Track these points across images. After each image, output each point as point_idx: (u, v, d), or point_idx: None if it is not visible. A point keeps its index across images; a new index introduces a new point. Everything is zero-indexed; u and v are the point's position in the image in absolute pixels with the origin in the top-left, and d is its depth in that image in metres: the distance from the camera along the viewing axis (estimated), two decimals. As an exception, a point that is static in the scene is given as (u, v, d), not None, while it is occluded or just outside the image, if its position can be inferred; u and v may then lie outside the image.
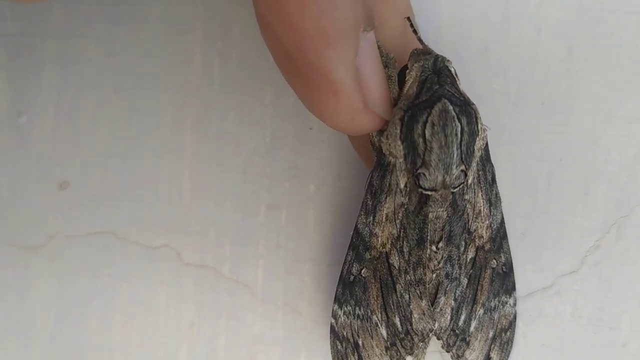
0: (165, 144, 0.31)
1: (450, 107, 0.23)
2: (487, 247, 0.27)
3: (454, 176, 0.24)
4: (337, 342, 0.28)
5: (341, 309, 0.27)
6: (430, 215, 0.25)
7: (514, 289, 0.28)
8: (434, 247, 0.25)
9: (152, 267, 0.31)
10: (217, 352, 0.31)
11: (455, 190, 0.24)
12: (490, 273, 0.27)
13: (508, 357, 0.29)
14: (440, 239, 0.25)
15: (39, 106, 0.32)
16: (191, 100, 0.31)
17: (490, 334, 0.28)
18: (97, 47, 0.31)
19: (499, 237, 0.27)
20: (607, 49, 0.29)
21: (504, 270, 0.27)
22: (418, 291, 0.26)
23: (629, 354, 0.28)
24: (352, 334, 0.27)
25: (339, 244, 0.30)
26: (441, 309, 0.26)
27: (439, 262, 0.25)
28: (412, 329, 0.26)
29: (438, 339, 0.27)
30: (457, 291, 0.26)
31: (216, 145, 0.31)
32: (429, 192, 0.24)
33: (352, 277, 0.27)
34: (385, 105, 0.23)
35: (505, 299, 0.28)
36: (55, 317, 0.32)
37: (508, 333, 0.28)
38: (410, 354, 0.27)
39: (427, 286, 0.26)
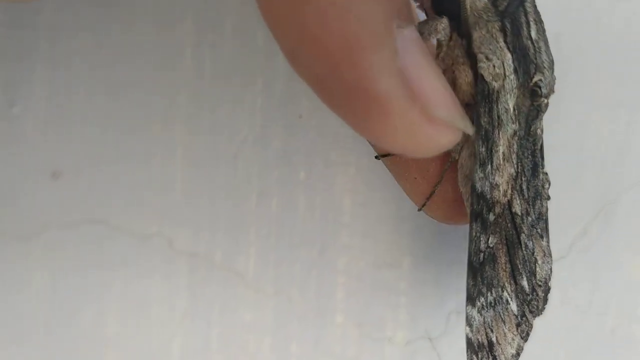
0: (158, 134, 0.31)
1: (534, 1, 0.21)
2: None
3: (554, 77, 0.22)
4: (474, 357, 0.24)
5: (475, 307, 0.23)
6: (538, 131, 0.22)
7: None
8: (544, 169, 0.23)
9: (144, 256, 0.31)
10: (210, 342, 0.31)
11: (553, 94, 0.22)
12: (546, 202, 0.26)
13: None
14: (542, 158, 0.23)
15: (32, 97, 0.32)
16: (182, 92, 0.31)
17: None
18: (88, 40, 0.32)
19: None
20: (595, 35, 0.29)
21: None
22: (539, 229, 0.23)
23: (617, 339, 0.28)
24: (487, 332, 0.23)
25: (329, 230, 0.30)
26: (549, 246, 0.24)
27: (549, 186, 0.23)
28: (536, 281, 0.23)
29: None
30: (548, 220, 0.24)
31: (207, 135, 0.31)
32: (546, 100, 0.22)
33: (481, 256, 0.23)
34: (452, 108, 0.18)
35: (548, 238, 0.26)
36: (48, 309, 0.32)
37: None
38: (538, 315, 0.24)
39: (544, 218, 0.23)
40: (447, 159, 0.23)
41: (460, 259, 0.29)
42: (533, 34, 0.21)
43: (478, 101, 0.21)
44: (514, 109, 0.21)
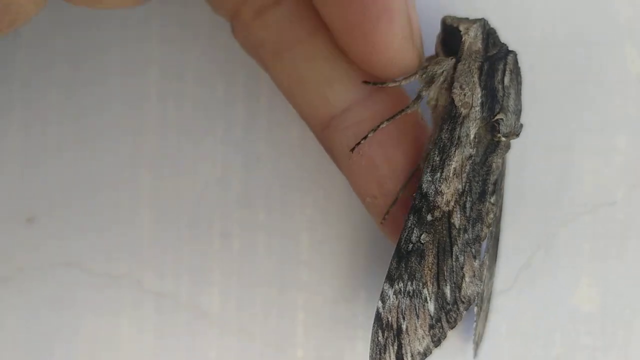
0: (125, 180, 0.33)
1: (518, 59, 0.25)
2: (500, 212, 0.28)
3: (519, 124, 0.25)
4: (380, 333, 0.25)
5: (392, 288, 0.25)
6: (494, 165, 0.25)
7: (497, 258, 0.29)
8: (492, 199, 0.25)
9: (115, 296, 0.33)
10: (179, 379, 0.32)
11: (516, 138, 0.26)
12: (496, 239, 0.28)
13: (484, 331, 0.29)
14: (494, 192, 0.25)
15: (7, 147, 0.34)
16: (148, 138, 0.33)
17: (485, 304, 0.28)
18: (59, 90, 0.33)
19: (501, 207, 0.28)
20: (530, 67, 0.30)
21: (498, 238, 0.28)
22: (473, 250, 0.25)
23: (562, 368, 0.30)
24: (398, 317, 0.25)
25: (289, 268, 0.31)
26: (481, 270, 0.26)
27: (493, 215, 0.26)
28: (460, 296, 0.25)
29: (476, 305, 0.27)
30: (490, 251, 0.27)
31: (172, 180, 0.33)
32: (504, 138, 0.25)
33: (410, 246, 0.25)
34: (421, 40, 0.25)
35: (494, 269, 0.28)
36: (22, 349, 0.33)
37: (488, 303, 0.29)
38: (452, 328, 0.25)
39: (482, 243, 0.26)
40: (405, 180, 0.26)
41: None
42: (506, 80, 0.25)
43: (444, 119, 0.25)
44: (474, 137, 0.25)
